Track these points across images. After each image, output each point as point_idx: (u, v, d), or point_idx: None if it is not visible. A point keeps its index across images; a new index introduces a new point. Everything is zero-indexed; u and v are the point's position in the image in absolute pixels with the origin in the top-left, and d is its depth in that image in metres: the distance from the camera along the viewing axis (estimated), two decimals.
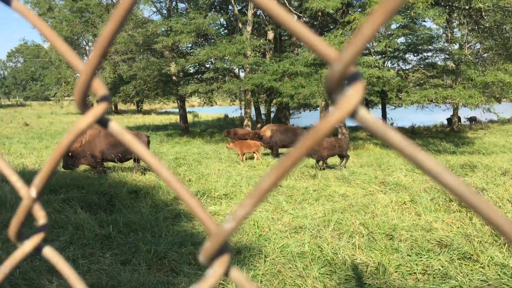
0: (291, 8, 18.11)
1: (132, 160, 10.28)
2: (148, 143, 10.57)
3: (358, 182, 8.81)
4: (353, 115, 0.26)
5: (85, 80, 0.30)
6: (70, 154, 9.58)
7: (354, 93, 0.26)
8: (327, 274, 4.51)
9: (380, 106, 26.91)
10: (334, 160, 12.08)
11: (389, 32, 17.24)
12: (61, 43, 0.34)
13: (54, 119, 32.88)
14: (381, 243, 5.18)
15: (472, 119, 26.90)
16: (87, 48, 40.12)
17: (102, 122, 0.32)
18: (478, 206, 0.24)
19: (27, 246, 0.38)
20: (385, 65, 21.13)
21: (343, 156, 11.30)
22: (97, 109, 0.31)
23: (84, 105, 0.32)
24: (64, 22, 28.42)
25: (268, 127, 14.37)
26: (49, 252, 0.40)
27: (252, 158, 12.80)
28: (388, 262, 4.63)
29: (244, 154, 12.41)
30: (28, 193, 0.37)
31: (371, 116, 0.27)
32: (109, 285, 4.19)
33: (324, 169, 10.57)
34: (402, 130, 25.06)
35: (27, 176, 9.45)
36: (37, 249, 0.39)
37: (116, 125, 0.33)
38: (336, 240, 5.38)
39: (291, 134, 14.31)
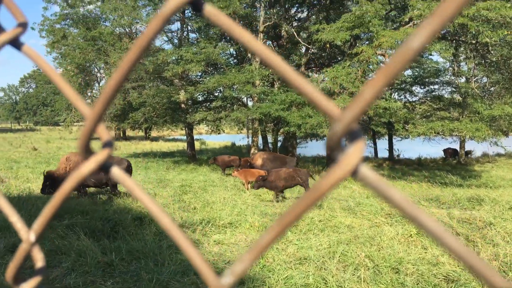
0: (300, 39, 18.43)
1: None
2: (129, 168, 10.64)
3: (364, 213, 8.71)
4: (354, 173, 0.26)
5: (90, 127, 0.31)
6: (48, 181, 9.74)
7: (355, 152, 0.26)
8: None
9: (387, 137, 26.87)
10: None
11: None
12: (68, 89, 0.35)
13: (62, 144, 33.18)
14: (387, 276, 5.08)
15: (468, 153, 26.51)
16: (98, 75, 40.87)
17: (105, 167, 0.33)
18: (479, 269, 0.24)
19: None
20: (392, 96, 21.24)
21: (304, 187, 10.94)
22: (100, 155, 0.32)
23: (87, 151, 0.33)
24: (77, 50, 29.06)
25: (259, 156, 14.47)
26: None
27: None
28: None
29: (249, 183, 12.38)
30: (27, 237, 0.38)
31: (373, 174, 0.26)
32: None
33: (278, 201, 10.43)
34: (408, 161, 24.92)
35: (32, 200, 9.48)
36: None
37: (118, 171, 0.34)
38: (341, 272, 5.28)
39: (280, 163, 14.43)
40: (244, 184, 12.51)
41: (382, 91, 0.26)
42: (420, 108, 20.53)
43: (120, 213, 8.01)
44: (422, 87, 23.01)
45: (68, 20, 29.97)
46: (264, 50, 0.30)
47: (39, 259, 0.39)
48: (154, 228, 7.30)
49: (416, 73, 21.96)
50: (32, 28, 35.18)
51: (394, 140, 26.94)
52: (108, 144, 0.32)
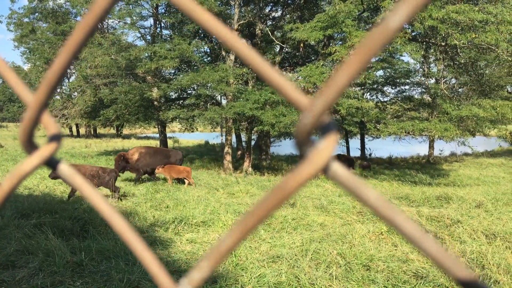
0: (274, 38, 18.48)
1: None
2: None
3: (336, 212, 8.82)
4: (324, 170, 0.24)
5: (33, 116, 0.28)
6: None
7: (326, 147, 0.24)
8: None
9: (359, 136, 27.33)
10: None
11: (369, 65, 17.71)
12: (10, 74, 0.32)
13: None
14: (358, 273, 5.16)
15: (365, 166, 26.71)
16: (68, 71, 39.79)
17: (51, 164, 0.30)
18: (455, 272, 0.23)
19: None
20: (364, 96, 21.61)
21: (110, 189, 9.85)
22: (45, 150, 0.29)
23: (30, 145, 0.30)
24: (46, 45, 28.31)
25: (136, 150, 13.51)
26: None
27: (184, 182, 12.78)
28: None
29: (172, 179, 12.30)
30: None
31: (345, 172, 0.24)
32: None
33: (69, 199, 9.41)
34: (380, 160, 25.41)
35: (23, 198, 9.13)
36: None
37: (66, 167, 0.31)
38: (314, 270, 5.33)
39: (162, 157, 13.71)
40: (167, 180, 12.51)
41: (357, 75, 0.23)
42: (391, 108, 20.94)
43: (90, 212, 7.83)
44: (394, 87, 23.49)
45: (36, 14, 29.18)
46: (226, 33, 0.28)
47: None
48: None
49: (388, 74, 22.39)
50: None
51: (366, 140, 27.44)
52: (55, 138, 0.29)
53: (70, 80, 34.66)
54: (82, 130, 46.49)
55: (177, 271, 5.33)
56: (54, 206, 8.18)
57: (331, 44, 16.47)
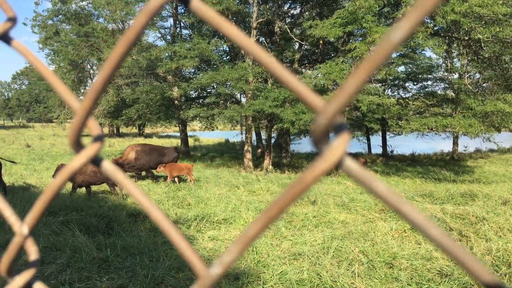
0: (293, 36, 18.43)
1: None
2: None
3: (358, 209, 8.75)
4: (338, 166, 0.27)
5: (79, 121, 0.31)
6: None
7: (339, 144, 0.26)
8: None
9: (380, 133, 27.00)
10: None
11: (390, 61, 17.48)
12: (58, 83, 0.35)
13: (56, 141, 32.97)
14: (381, 271, 5.12)
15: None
16: (91, 71, 40.65)
17: (96, 161, 0.33)
18: (462, 258, 0.24)
19: (18, 281, 0.39)
20: (386, 93, 21.33)
21: (109, 185, 10.30)
22: (91, 149, 0.32)
23: (78, 145, 0.33)
24: (70, 46, 28.89)
25: (131, 148, 13.35)
26: (39, 287, 0.41)
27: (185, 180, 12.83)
28: None
29: (173, 177, 12.38)
30: (20, 230, 0.38)
31: (357, 167, 0.27)
32: None
33: (71, 194, 9.81)
34: (402, 157, 25.06)
35: (26, 197, 9.43)
36: (28, 285, 0.39)
37: (109, 164, 0.34)
38: (335, 267, 5.31)
39: (157, 154, 13.62)
40: (173, 180, 12.55)
41: (365, 83, 0.26)
42: (413, 104, 20.59)
43: (114, 210, 8.00)
44: (416, 83, 23.10)
45: (60, 16, 29.78)
46: (250, 44, 0.30)
47: (32, 252, 0.39)
48: (149, 225, 7.30)
49: (410, 69, 22.03)
50: (24, 24, 34.91)
51: (387, 136, 27.09)
52: (98, 138, 0.33)
53: (94, 81, 35.32)
54: (106, 130, 47.31)
55: None
56: (80, 204, 8.38)
57: (351, 41, 16.33)
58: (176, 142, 31.36)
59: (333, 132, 0.27)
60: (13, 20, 0.37)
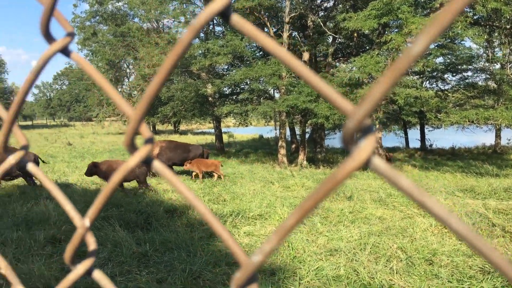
0: (326, 29, 18.22)
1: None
2: (36, 161, 10.74)
3: (395, 205, 8.59)
4: (366, 164, 0.29)
5: (133, 126, 0.34)
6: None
7: (367, 145, 0.29)
8: None
9: (418, 127, 26.32)
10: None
11: (427, 52, 16.98)
12: (112, 91, 0.38)
13: (95, 139, 34.08)
14: (420, 268, 5.02)
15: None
16: (128, 70, 41.68)
17: (147, 161, 0.36)
18: (483, 249, 0.25)
19: (80, 269, 0.43)
20: (424, 85, 20.74)
21: (139, 182, 10.47)
22: (143, 150, 0.36)
23: (132, 147, 0.36)
24: (107, 46, 29.75)
25: (156, 144, 13.39)
26: (98, 275, 0.44)
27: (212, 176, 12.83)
28: None
29: (202, 172, 12.45)
30: (82, 223, 0.42)
31: (384, 164, 0.29)
32: None
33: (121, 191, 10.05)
34: (441, 151, 24.35)
35: (69, 193, 9.83)
36: (88, 272, 0.43)
37: (159, 164, 0.37)
38: (373, 264, 5.25)
39: (181, 151, 13.63)
40: (197, 176, 12.62)
41: (390, 89, 0.28)
42: (453, 97, 19.92)
43: (152, 206, 8.20)
44: (455, 74, 22.33)
45: (97, 17, 30.66)
46: (286, 55, 0.32)
47: (91, 243, 0.43)
48: (185, 220, 7.45)
49: (448, 60, 21.31)
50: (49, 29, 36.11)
51: (426, 130, 26.38)
52: (149, 140, 0.36)
53: (130, 80, 36.22)
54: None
55: (236, 263, 5.46)
56: (120, 200, 8.64)
57: (386, 32, 15.96)
58: (211, 138, 31.76)
59: (361, 133, 0.29)
60: (71, 35, 0.40)
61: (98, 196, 0.40)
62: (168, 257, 5.60)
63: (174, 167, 14.00)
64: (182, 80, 21.97)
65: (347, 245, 5.97)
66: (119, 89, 38.29)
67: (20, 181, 11.19)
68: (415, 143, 27.53)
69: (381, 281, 4.68)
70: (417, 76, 19.41)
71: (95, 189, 10.47)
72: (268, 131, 34.86)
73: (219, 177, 12.53)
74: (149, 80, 22.86)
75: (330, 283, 4.73)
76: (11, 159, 0.47)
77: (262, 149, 25.21)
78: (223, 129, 29.33)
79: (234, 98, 22.25)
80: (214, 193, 9.98)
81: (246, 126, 23.53)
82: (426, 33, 0.26)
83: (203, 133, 47.83)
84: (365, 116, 0.28)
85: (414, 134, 28.14)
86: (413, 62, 0.27)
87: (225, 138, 30.18)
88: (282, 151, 18.43)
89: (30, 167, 0.50)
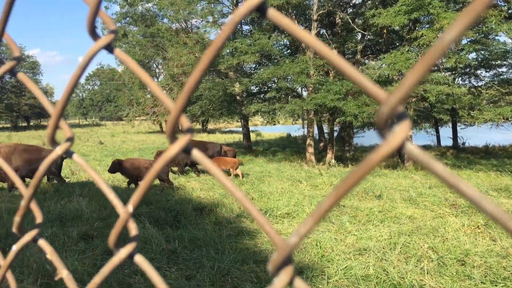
0: (354, 26, 17.99)
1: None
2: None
3: (426, 204, 8.42)
4: (400, 149, 0.30)
5: (174, 117, 0.36)
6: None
7: (401, 130, 0.30)
8: None
9: (450, 124, 25.64)
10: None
11: (460, 48, 16.51)
12: (154, 85, 0.40)
13: (126, 138, 34.82)
14: (452, 268, 4.90)
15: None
16: (157, 70, 42.36)
17: (187, 150, 0.38)
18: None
19: (123, 253, 0.45)
20: (456, 81, 20.20)
21: (160, 179, 10.59)
22: (183, 140, 0.38)
23: (173, 137, 0.38)
24: (137, 47, 30.34)
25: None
26: (139, 259, 0.46)
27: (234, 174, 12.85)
28: None
29: (221, 170, 12.39)
30: (126, 208, 0.44)
31: (417, 149, 0.30)
32: None
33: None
34: (474, 149, 23.66)
35: (101, 191, 10.06)
36: (130, 256, 0.45)
37: (198, 153, 0.39)
38: (403, 264, 5.17)
39: (200, 149, 13.47)
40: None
41: (423, 78, 0.29)
42: (486, 93, 19.33)
43: (181, 203, 8.32)
44: (488, 70, 21.63)
45: (127, 18, 31.29)
46: (320, 45, 0.33)
47: (133, 228, 0.45)
48: (214, 218, 7.52)
49: (482, 56, 20.66)
50: (95, 27, 37.12)
51: (458, 128, 25.69)
52: (188, 131, 0.37)
53: (159, 79, 36.79)
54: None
55: (264, 260, 5.48)
56: (149, 198, 8.80)
57: (417, 28, 15.63)
58: (239, 137, 31.92)
59: (395, 120, 0.30)
60: (114, 32, 0.42)
61: (140, 184, 0.42)
62: (196, 254, 5.68)
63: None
64: (210, 79, 22.16)
65: (377, 244, 5.90)
66: (149, 89, 38.98)
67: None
68: (447, 141, 26.85)
69: (411, 281, 4.60)
70: (449, 73, 18.90)
71: (125, 187, 10.69)
72: (296, 129, 34.74)
73: (236, 175, 12.59)
74: (178, 79, 23.20)
75: (359, 282, 4.69)
76: (58, 150, 0.51)
77: (289, 148, 25.15)
78: (251, 128, 29.42)
79: (261, 96, 22.28)
80: (243, 191, 10.01)
81: (274, 124, 23.52)
82: (459, 22, 0.27)
83: (231, 131, 48.10)
84: (398, 103, 0.29)
85: (446, 132, 27.43)
86: (445, 50, 0.27)
87: (252, 136, 30.27)
88: (310, 150, 18.34)
89: (75, 157, 0.53)
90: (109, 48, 0.43)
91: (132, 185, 10.68)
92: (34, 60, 67.84)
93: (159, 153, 13.22)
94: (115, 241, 0.47)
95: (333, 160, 17.88)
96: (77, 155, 0.54)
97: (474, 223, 6.59)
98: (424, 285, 4.57)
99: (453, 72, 19.99)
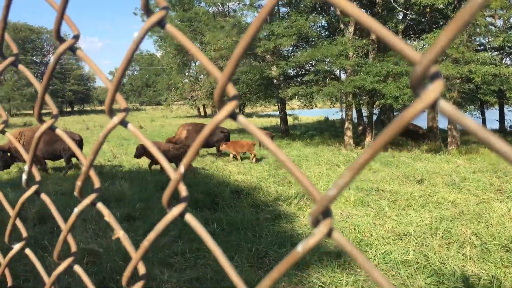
0: (395, 5, 17.40)
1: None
2: (80, 142, 11.19)
3: (470, 189, 8.17)
4: (433, 106, 0.31)
5: (222, 85, 0.38)
6: (8, 153, 10.34)
7: (434, 88, 0.31)
8: (433, 284, 4.27)
9: (497, 107, 24.52)
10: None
11: (508, 26, 15.65)
12: (203, 57, 0.43)
13: (164, 122, 35.56)
14: (496, 255, 4.76)
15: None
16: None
17: (233, 116, 0.40)
18: None
19: (175, 211, 0.49)
20: (504, 61, 19.23)
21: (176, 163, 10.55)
22: (229, 106, 0.40)
23: (221, 103, 0.40)
24: None
25: (183, 128, 13.58)
26: (189, 217, 0.50)
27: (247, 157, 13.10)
28: (504, 275, 4.24)
29: (239, 153, 12.82)
30: (179, 169, 0.47)
31: (450, 106, 0.31)
32: (214, 279, 4.45)
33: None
34: None
35: (142, 174, 10.40)
36: (181, 215, 0.49)
37: (244, 118, 0.41)
38: (445, 249, 5.06)
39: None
40: (235, 157, 12.92)
41: (455, 38, 0.30)
42: None
43: (219, 186, 8.46)
44: None
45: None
46: (353, 8, 0.34)
47: (183, 190, 0.48)
48: (251, 201, 7.61)
49: None
50: (135, 14, 37.82)
51: (505, 110, 24.55)
52: (234, 98, 0.40)
53: (197, 64, 37.17)
54: (209, 110, 49.70)
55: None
56: (188, 180, 9.01)
57: (462, 6, 14.92)
58: (276, 121, 31.88)
59: (429, 79, 0.32)
60: (166, 9, 0.45)
61: (190, 148, 0.45)
62: (234, 236, 5.78)
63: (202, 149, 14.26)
64: (247, 63, 22.15)
65: (417, 229, 5.80)
66: (187, 73, 39.46)
67: (97, 161, 12.02)
68: (493, 124, 25.74)
69: (453, 267, 4.51)
70: (496, 52, 18.01)
71: (163, 172, 10.96)
72: (334, 113, 34.26)
73: (254, 156, 12.82)
74: (215, 63, 23.33)
75: (399, 267, 4.64)
76: (115, 120, 0.54)
77: (327, 131, 24.88)
78: (288, 112, 29.29)
79: (299, 80, 22.08)
80: (279, 175, 10.06)
81: (311, 108, 23.33)
82: None
83: (268, 115, 48.10)
84: (432, 61, 0.30)
85: (492, 115, 26.28)
86: (478, 9, 0.28)
87: (290, 120, 30.14)
88: (349, 133, 18.08)
89: (130, 127, 0.56)
90: (161, 23, 0.46)
91: (154, 166, 10.94)
92: (76, 46, 69.76)
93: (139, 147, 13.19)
94: (168, 200, 0.50)
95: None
96: (131, 125, 0.58)
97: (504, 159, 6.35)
98: (466, 271, 4.47)
99: (501, 51, 19.01)
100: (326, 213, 0.37)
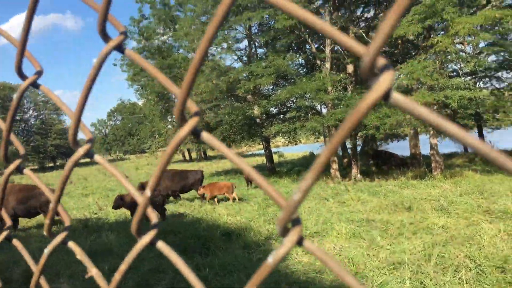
0: (368, 39, 18.01)
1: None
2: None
3: (458, 212, 8.19)
4: (386, 96, 0.31)
5: (181, 101, 0.38)
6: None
7: (385, 78, 0.31)
8: None
9: (476, 129, 25.05)
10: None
11: (478, 51, 16.27)
12: (161, 75, 0.43)
13: (150, 170, 35.24)
14: (492, 276, 4.72)
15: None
16: (176, 101, 43.03)
17: (196, 132, 0.40)
18: (497, 159, 0.26)
19: (146, 238, 0.47)
20: (477, 85, 19.83)
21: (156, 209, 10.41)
22: (192, 122, 0.40)
23: (183, 120, 0.40)
24: (155, 80, 31.04)
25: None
26: (161, 245, 0.48)
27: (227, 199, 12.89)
28: None
29: (215, 197, 12.65)
30: (144, 194, 0.45)
31: (403, 97, 0.32)
32: None
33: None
34: (506, 152, 22.96)
35: (128, 224, 10.17)
36: (152, 243, 0.47)
37: (207, 135, 0.41)
38: (440, 275, 5.00)
39: (179, 178, 13.57)
40: (210, 200, 12.72)
41: (396, 25, 0.31)
42: (509, 95, 18.89)
43: (209, 230, 8.32)
44: (510, 71, 21.18)
45: (145, 52, 32.16)
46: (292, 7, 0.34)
47: (153, 217, 0.47)
48: (242, 242, 7.48)
49: (502, 58, 20.28)
50: (114, 64, 38.27)
51: (484, 132, 25.08)
52: (196, 114, 0.39)
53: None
54: (194, 154, 49.59)
55: (296, 282, 5.40)
56: (177, 227, 8.85)
57: (432, 36, 15.53)
58: (261, 160, 31.89)
59: (380, 70, 0.32)
60: (124, 34, 0.45)
61: (155, 170, 0.44)
62: (228, 280, 5.64)
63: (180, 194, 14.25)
64: (229, 105, 22.40)
65: (411, 257, 5.74)
66: (169, 119, 39.63)
67: (82, 215, 11.78)
68: None
69: None
70: (469, 77, 18.60)
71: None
72: (318, 147, 34.50)
73: (233, 199, 12.64)
74: (197, 106, 23.49)
75: None
76: (81, 151, 0.53)
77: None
78: (273, 149, 29.39)
79: (281, 117, 22.34)
80: (269, 213, 9.97)
81: (296, 144, 23.44)
82: None
83: (253, 155, 48.14)
84: (378, 51, 0.31)
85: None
86: None
87: (275, 158, 30.18)
88: (334, 166, 18.17)
89: (97, 157, 0.55)
90: (120, 48, 0.46)
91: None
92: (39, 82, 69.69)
93: (141, 185, 13.26)
94: (137, 228, 0.48)
95: (358, 175, 17.64)
96: (97, 155, 0.57)
97: (510, 228, 6.37)
98: None
99: (474, 76, 19.65)
100: (295, 221, 0.36)
